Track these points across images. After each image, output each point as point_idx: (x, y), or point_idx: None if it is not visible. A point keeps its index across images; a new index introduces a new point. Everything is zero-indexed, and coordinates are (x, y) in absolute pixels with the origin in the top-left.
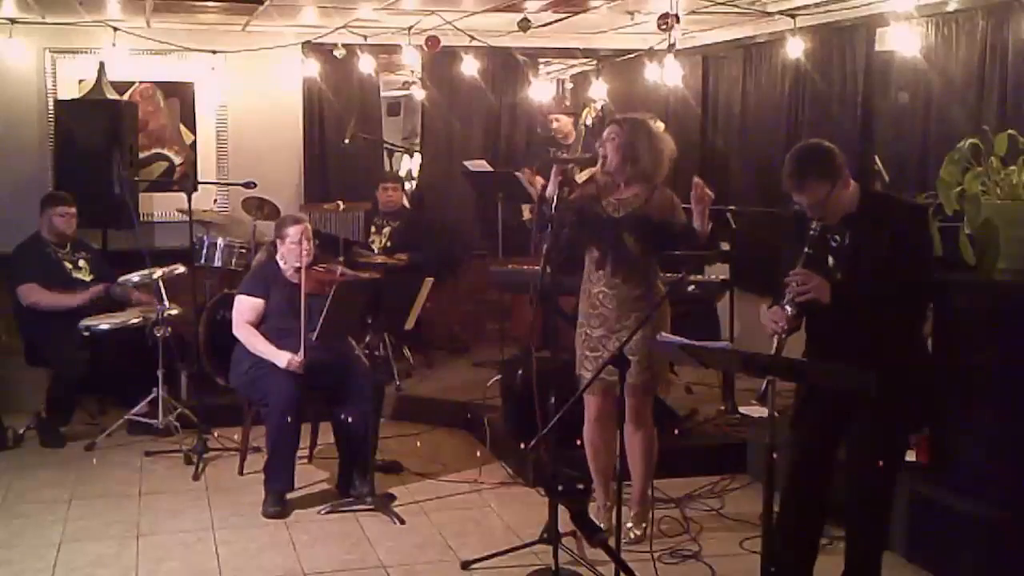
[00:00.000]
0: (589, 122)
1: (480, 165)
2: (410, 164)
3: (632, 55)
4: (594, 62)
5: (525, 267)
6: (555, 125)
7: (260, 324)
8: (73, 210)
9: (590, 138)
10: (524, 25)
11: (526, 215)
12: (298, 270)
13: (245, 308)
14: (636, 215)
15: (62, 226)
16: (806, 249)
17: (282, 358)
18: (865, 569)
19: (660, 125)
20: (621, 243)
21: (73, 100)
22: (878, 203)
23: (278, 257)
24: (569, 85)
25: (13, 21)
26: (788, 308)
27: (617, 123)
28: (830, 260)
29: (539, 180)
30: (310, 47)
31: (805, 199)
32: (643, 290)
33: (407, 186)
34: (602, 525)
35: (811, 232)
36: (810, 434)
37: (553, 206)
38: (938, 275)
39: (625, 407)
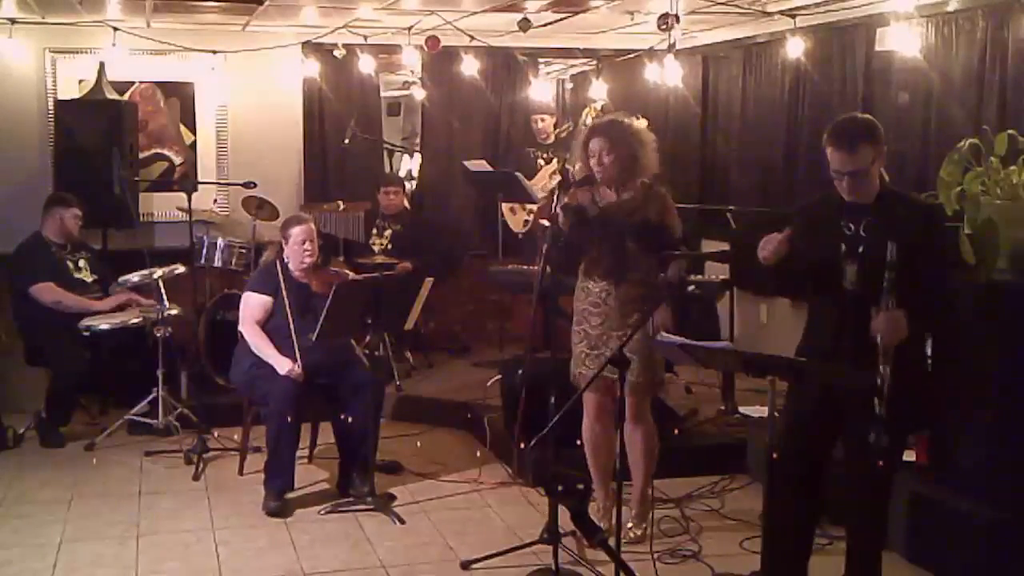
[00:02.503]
0: (589, 122)
1: (480, 165)
2: (410, 164)
3: (632, 55)
4: (594, 62)
5: (525, 267)
6: (540, 125)
7: (266, 322)
8: (80, 212)
9: None
10: (524, 25)
11: (512, 225)
12: (304, 270)
13: (253, 305)
14: (635, 215)
15: (72, 227)
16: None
17: (283, 365)
18: (865, 569)
19: (642, 122)
20: (621, 242)
21: (73, 100)
22: (896, 199)
23: (285, 256)
24: (569, 85)
25: (13, 21)
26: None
27: (601, 135)
28: (842, 247)
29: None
30: (310, 47)
31: (854, 163)
32: (644, 289)
33: (408, 187)
34: (602, 525)
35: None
36: (805, 437)
37: (554, 206)
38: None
39: (625, 405)
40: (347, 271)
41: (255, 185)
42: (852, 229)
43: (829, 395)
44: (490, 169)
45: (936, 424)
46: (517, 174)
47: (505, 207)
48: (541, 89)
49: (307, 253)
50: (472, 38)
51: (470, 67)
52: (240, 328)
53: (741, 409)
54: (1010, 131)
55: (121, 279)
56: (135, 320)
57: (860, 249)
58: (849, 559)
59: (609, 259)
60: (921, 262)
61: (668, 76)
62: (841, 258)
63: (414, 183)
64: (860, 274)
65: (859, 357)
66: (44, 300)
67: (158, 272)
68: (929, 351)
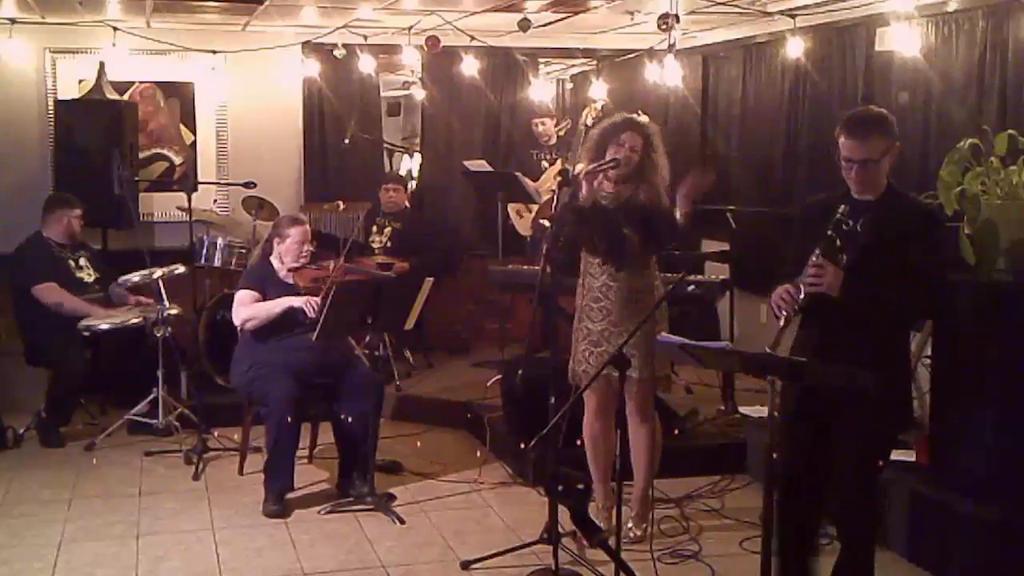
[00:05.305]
0: (589, 122)
1: (480, 165)
2: (410, 164)
3: (632, 55)
4: (594, 62)
5: (525, 267)
6: (540, 128)
7: None
8: (81, 212)
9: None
10: (524, 25)
11: (519, 228)
12: (291, 270)
13: (245, 298)
14: (630, 204)
15: (77, 228)
16: (829, 232)
17: (298, 301)
18: (856, 566)
19: (643, 118)
20: (620, 234)
21: (73, 100)
22: (897, 200)
23: (273, 257)
24: (569, 85)
25: (13, 21)
26: (801, 294)
27: (638, 132)
28: (837, 243)
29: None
30: (310, 47)
31: (865, 152)
32: (645, 282)
33: (408, 186)
34: (602, 525)
35: (838, 216)
36: (802, 439)
37: (553, 206)
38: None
39: (625, 404)
40: (328, 263)
41: (255, 185)
42: (849, 225)
43: (814, 394)
44: (490, 169)
45: (936, 424)
46: (517, 174)
47: (512, 211)
48: (541, 89)
49: (304, 256)
50: (472, 38)
51: (470, 67)
52: (236, 321)
53: (741, 409)
54: (1010, 131)
55: (121, 279)
56: (135, 320)
57: (856, 248)
58: (840, 559)
59: (607, 245)
60: (908, 258)
61: (668, 76)
62: (835, 253)
63: (414, 183)
64: (850, 270)
65: (848, 353)
66: (46, 301)
67: (158, 272)
68: (929, 351)
